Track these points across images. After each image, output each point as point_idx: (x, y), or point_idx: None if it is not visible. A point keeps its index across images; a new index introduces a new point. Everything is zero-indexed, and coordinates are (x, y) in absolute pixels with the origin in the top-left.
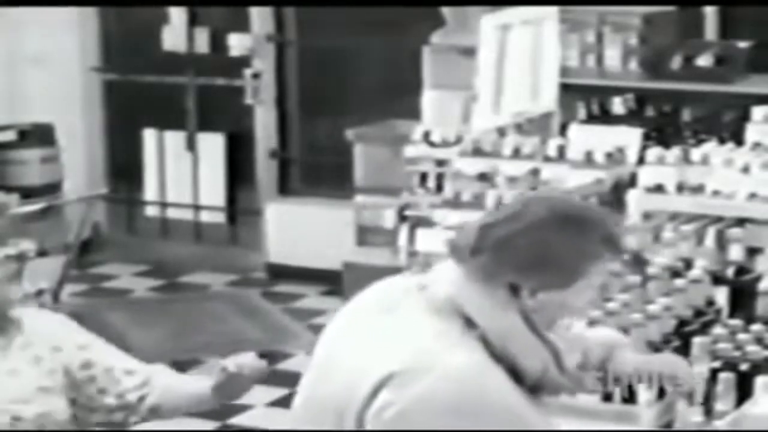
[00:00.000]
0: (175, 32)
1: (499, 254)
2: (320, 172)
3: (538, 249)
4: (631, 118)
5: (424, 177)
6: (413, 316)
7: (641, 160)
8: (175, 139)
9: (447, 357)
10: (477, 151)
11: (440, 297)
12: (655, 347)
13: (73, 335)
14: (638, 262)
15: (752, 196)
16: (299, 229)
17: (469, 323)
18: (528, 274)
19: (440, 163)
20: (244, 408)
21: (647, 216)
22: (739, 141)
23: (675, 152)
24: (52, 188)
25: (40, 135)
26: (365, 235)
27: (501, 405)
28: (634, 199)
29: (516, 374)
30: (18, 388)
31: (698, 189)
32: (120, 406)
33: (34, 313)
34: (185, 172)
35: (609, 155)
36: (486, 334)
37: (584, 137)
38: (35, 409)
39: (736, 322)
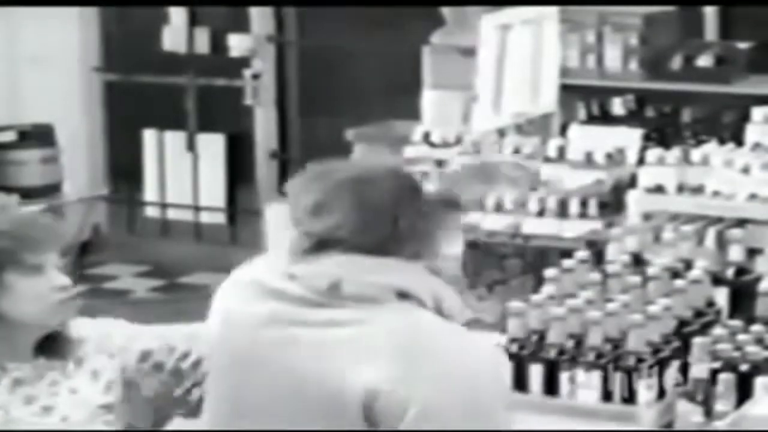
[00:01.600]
0: (175, 32)
1: (395, 232)
2: None
3: (419, 216)
4: (631, 118)
5: (424, 177)
6: (352, 308)
7: (641, 161)
8: (175, 139)
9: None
10: (477, 152)
11: (365, 285)
12: (654, 348)
13: (120, 331)
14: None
15: (752, 196)
16: None
17: (401, 298)
18: (425, 243)
19: (440, 163)
20: None
21: (647, 216)
22: (739, 141)
23: (675, 153)
24: (52, 189)
25: (40, 135)
26: None
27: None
28: (634, 199)
29: None
30: (80, 408)
31: (698, 189)
32: (184, 393)
33: (84, 323)
34: (185, 172)
35: (609, 156)
36: (425, 303)
37: (584, 138)
38: (98, 428)
39: (736, 322)
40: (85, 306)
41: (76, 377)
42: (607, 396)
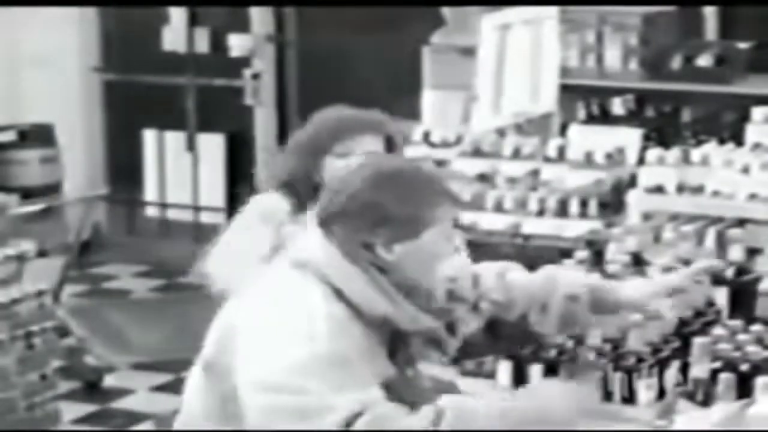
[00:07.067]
0: (175, 32)
1: (345, 217)
2: None
3: (375, 207)
4: (631, 118)
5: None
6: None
7: (641, 161)
8: (175, 139)
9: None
10: (477, 152)
11: (302, 257)
12: (654, 348)
13: None
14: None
15: (752, 196)
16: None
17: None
18: (375, 231)
19: (440, 163)
20: None
21: (647, 216)
22: (739, 141)
23: (675, 153)
24: (52, 188)
25: (40, 135)
26: None
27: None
28: (634, 199)
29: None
30: None
31: (698, 189)
32: None
33: None
34: (185, 172)
35: (609, 156)
36: (341, 289)
37: (584, 138)
38: None
39: (736, 322)
40: (85, 305)
41: None
42: (607, 396)
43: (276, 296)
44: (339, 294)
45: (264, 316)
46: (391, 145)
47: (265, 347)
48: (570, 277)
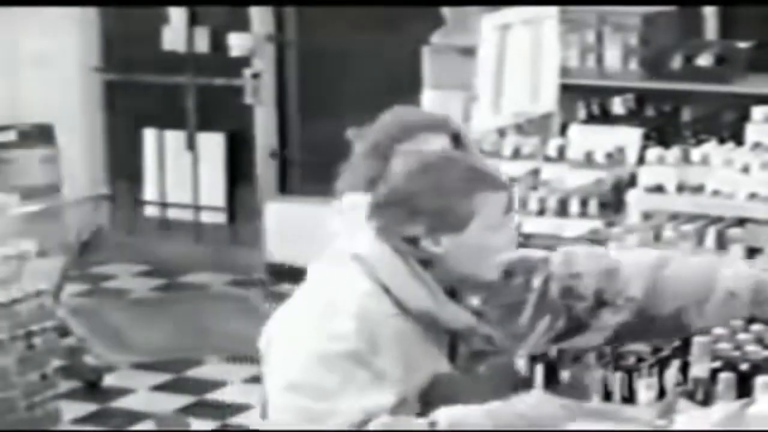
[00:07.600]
0: (175, 32)
1: (385, 210)
2: (320, 172)
3: (409, 198)
4: (631, 118)
5: None
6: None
7: (641, 160)
8: (175, 139)
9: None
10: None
11: (357, 252)
12: (654, 347)
13: None
14: None
15: (752, 196)
16: (299, 228)
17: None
18: (414, 222)
19: None
20: (244, 408)
21: (647, 216)
22: (739, 141)
23: (675, 152)
24: (52, 189)
25: (40, 135)
26: None
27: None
28: (634, 199)
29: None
30: None
31: (698, 189)
32: None
33: None
34: (185, 172)
35: (609, 155)
36: (388, 285)
37: (584, 137)
38: None
39: (736, 322)
40: (85, 305)
41: None
42: (607, 396)
43: (311, 296)
44: (387, 290)
45: (294, 318)
46: (458, 143)
47: (289, 346)
48: (733, 270)
